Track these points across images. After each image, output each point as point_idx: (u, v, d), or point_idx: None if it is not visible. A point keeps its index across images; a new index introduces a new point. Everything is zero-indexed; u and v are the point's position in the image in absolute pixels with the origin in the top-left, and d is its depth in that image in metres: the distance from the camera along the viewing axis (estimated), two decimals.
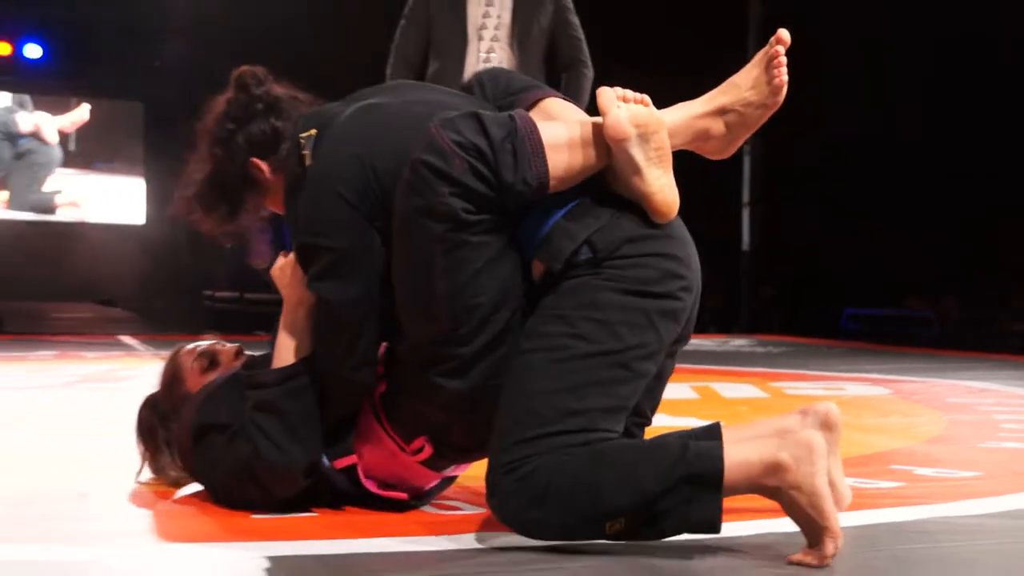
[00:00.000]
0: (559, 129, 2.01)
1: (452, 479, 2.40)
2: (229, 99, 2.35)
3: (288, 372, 2.19)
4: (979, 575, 1.91)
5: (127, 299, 10.02)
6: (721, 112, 2.08)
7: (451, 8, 4.60)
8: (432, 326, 2.03)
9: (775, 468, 1.83)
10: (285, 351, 2.21)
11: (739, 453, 1.87)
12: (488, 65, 4.53)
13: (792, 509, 1.85)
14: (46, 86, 10.48)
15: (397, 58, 4.65)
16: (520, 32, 4.58)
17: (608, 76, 4.71)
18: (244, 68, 2.37)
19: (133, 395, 4.70)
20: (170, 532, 2.14)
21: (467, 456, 2.26)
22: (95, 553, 1.96)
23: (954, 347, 7.89)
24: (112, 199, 10.77)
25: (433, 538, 2.04)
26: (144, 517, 2.23)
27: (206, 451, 2.28)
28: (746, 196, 10.58)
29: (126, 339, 8.29)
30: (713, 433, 1.95)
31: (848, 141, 9.74)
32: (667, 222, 2.05)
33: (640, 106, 2.00)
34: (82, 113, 10.50)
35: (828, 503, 1.82)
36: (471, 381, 2.04)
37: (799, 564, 1.83)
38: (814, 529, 1.83)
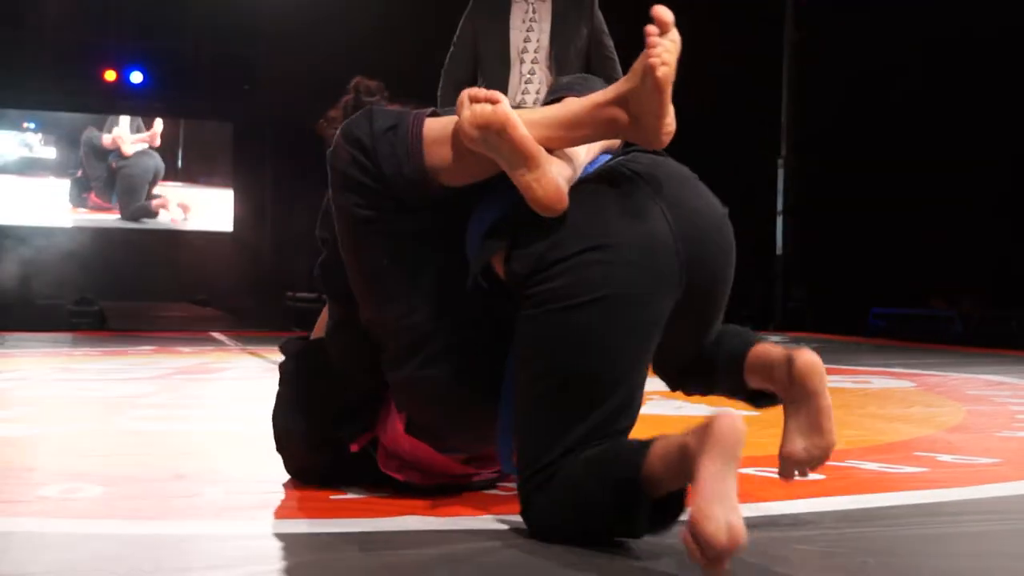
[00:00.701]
0: (449, 124, 1.87)
1: (491, 481, 2.29)
2: (346, 101, 2.37)
3: (306, 345, 2.19)
4: (997, 551, 1.88)
5: (218, 299, 10.12)
6: (621, 101, 1.86)
7: (495, 34, 4.62)
8: (369, 315, 1.99)
9: (684, 453, 1.63)
10: (319, 327, 2.21)
11: (662, 445, 1.70)
12: (528, 84, 4.56)
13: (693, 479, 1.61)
14: (147, 109, 10.62)
15: (447, 80, 4.69)
16: (558, 54, 4.58)
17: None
18: (360, 78, 2.41)
19: (224, 385, 4.79)
20: (250, 510, 2.15)
21: (441, 441, 2.11)
22: (182, 528, 1.99)
23: (973, 343, 7.79)
24: (204, 209, 10.90)
25: (464, 518, 2.02)
26: (230, 496, 2.25)
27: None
28: (780, 204, 10.50)
29: (217, 335, 8.39)
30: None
31: (875, 156, 9.64)
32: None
33: (485, 105, 1.81)
34: (156, 128, 10.64)
35: (705, 498, 1.54)
36: (404, 372, 1.98)
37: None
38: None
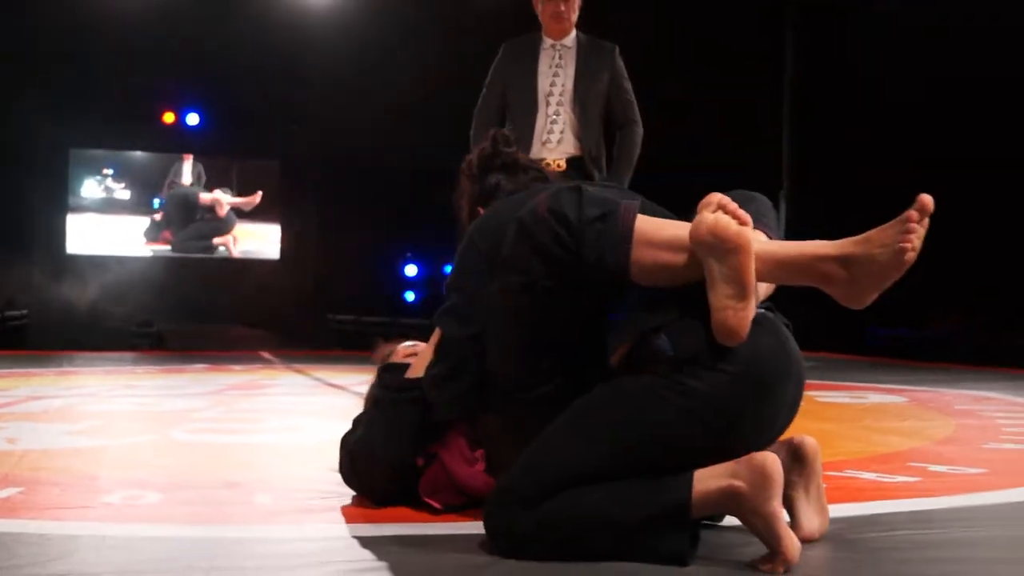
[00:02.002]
0: (667, 228, 1.80)
1: None
2: (483, 149, 2.35)
3: (406, 383, 2.17)
4: (985, 555, 1.87)
5: (266, 321, 10.18)
6: (846, 261, 1.79)
7: (524, 79, 4.63)
8: (503, 366, 1.93)
9: (731, 496, 1.71)
10: (419, 365, 2.17)
11: (700, 485, 1.73)
12: (554, 124, 4.57)
13: (752, 530, 1.72)
14: (202, 147, 10.71)
15: (479, 122, 4.69)
16: (581, 97, 4.59)
17: (651, 111, 4.74)
18: (500, 130, 2.41)
19: (272, 400, 4.81)
20: (296, 514, 2.16)
21: (500, 468, 2.04)
22: (234, 531, 1.99)
23: (962, 361, 7.72)
24: (254, 239, 10.98)
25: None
26: (278, 502, 2.25)
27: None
28: (782, 231, 10.49)
29: (265, 354, 8.42)
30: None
31: (866, 181, 9.60)
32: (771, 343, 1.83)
33: (729, 219, 1.73)
34: (254, 199, 10.76)
35: (780, 527, 1.69)
36: (512, 416, 1.96)
37: (759, 570, 1.70)
38: (770, 548, 1.70)
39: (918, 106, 8.98)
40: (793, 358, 1.89)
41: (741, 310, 1.72)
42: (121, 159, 10.61)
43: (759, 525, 1.70)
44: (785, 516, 1.78)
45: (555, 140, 4.58)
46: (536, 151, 4.59)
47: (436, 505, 2.12)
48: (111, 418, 3.94)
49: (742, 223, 1.74)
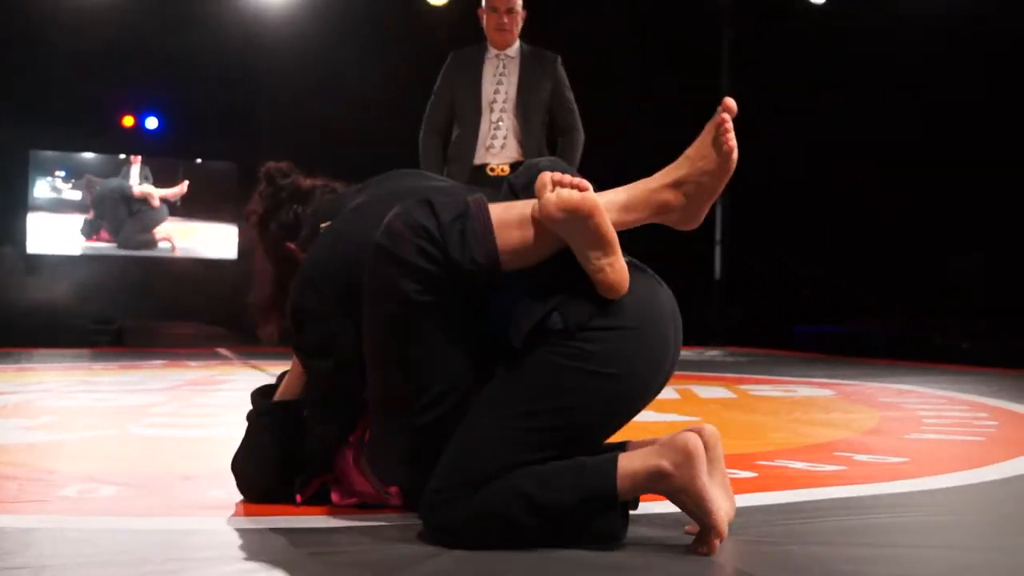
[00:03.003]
0: (513, 209, 1.75)
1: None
2: (260, 191, 2.23)
3: (266, 408, 2.13)
4: (906, 540, 1.89)
5: (223, 319, 10.05)
6: (678, 184, 1.80)
7: (469, 86, 4.65)
8: (390, 394, 1.82)
9: (659, 475, 1.70)
10: (285, 388, 2.13)
11: (627, 466, 1.71)
12: (497, 130, 4.58)
13: (682, 507, 1.73)
14: (160, 151, 10.57)
15: (427, 126, 4.71)
16: (524, 104, 4.61)
17: (591, 114, 4.76)
18: (270, 164, 2.25)
19: (229, 396, 4.75)
20: (250, 507, 2.13)
21: (389, 479, 1.99)
22: (188, 523, 1.96)
23: (885, 356, 7.85)
24: (212, 240, 10.87)
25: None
26: (233, 495, 2.22)
27: None
28: (718, 236, 10.57)
29: (222, 351, 8.33)
30: (610, 452, 1.78)
31: (800, 187, 9.75)
32: (649, 300, 1.82)
33: (572, 191, 1.71)
34: (182, 188, 10.63)
35: (709, 502, 1.69)
36: (418, 442, 1.81)
37: (695, 553, 1.71)
38: (701, 524, 1.71)
39: (840, 115, 9.15)
40: (666, 295, 1.89)
41: (615, 263, 1.73)
42: (74, 161, 10.46)
43: (688, 502, 1.70)
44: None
45: (498, 146, 4.60)
46: (480, 156, 4.61)
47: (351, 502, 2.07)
48: (68, 414, 3.87)
49: (582, 189, 1.73)
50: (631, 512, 1.84)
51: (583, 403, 1.75)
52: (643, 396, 1.85)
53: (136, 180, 10.60)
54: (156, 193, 10.62)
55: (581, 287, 1.75)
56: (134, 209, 10.58)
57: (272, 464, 2.10)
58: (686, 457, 1.69)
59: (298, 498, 2.08)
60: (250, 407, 2.20)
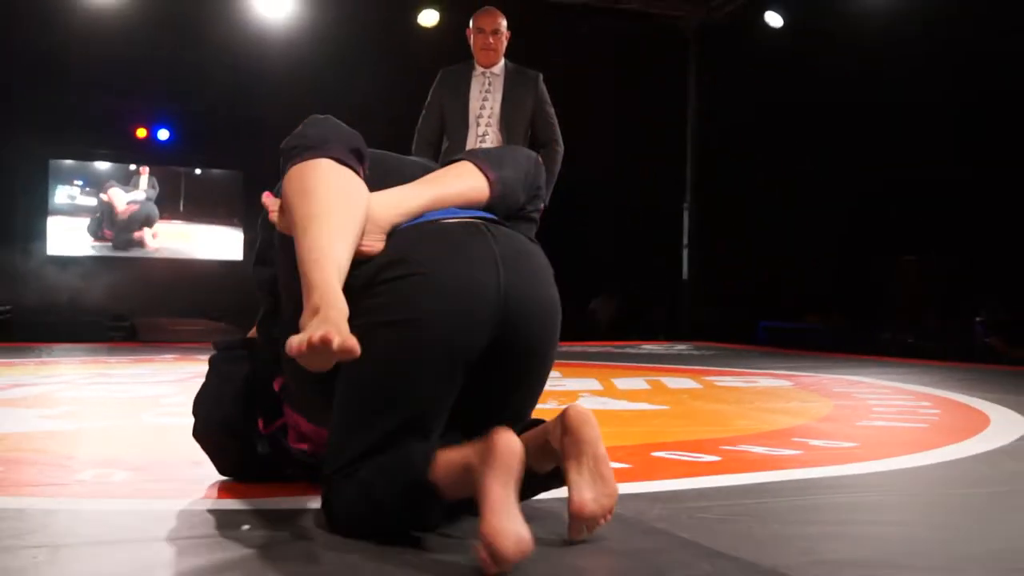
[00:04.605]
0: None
1: None
2: None
3: (234, 343, 2.06)
4: (858, 518, 1.90)
5: (230, 316, 10.00)
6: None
7: (457, 100, 4.64)
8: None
9: (466, 470, 1.49)
10: (254, 329, 2.06)
11: (447, 456, 1.54)
12: (483, 143, 4.59)
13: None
14: (172, 160, 10.53)
15: (420, 138, 4.70)
16: (507, 119, 4.60)
17: (569, 128, 4.76)
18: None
19: None
20: (250, 488, 2.12)
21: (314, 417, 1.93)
22: (195, 504, 1.95)
23: (839, 350, 7.89)
24: (219, 242, 10.83)
25: None
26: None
27: None
28: (685, 239, 10.59)
29: None
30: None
31: (758, 197, 9.80)
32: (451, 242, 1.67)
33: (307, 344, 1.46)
34: (143, 184, 10.51)
35: (488, 509, 1.41)
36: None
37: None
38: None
39: (796, 127, 9.21)
40: (485, 245, 1.68)
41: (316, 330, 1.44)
42: (90, 171, 10.43)
43: (479, 505, 1.43)
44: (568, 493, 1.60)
45: None
46: None
47: (304, 448, 1.99)
48: (85, 404, 3.85)
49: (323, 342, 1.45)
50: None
51: (386, 359, 1.59)
52: (452, 341, 1.61)
53: (144, 189, 10.58)
54: (119, 197, 10.53)
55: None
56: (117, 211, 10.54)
57: (243, 403, 1.98)
58: (489, 454, 1.45)
59: (264, 430, 1.99)
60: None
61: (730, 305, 10.06)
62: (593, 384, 4.75)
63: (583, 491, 1.57)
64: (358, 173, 1.73)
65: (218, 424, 2.03)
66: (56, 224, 10.27)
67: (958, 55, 7.85)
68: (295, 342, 1.44)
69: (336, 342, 1.43)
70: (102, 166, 10.49)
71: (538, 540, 1.56)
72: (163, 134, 10.44)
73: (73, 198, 10.37)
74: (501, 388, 1.73)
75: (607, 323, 10.61)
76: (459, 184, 1.83)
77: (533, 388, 1.80)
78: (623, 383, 4.83)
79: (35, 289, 9.69)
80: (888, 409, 3.77)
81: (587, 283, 10.52)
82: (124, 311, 9.59)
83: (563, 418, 1.60)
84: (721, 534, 1.72)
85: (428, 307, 1.61)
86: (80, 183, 10.37)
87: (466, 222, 1.74)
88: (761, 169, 9.69)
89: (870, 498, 2.11)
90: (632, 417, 3.51)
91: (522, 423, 1.75)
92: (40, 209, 10.14)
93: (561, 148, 4.70)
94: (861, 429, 3.21)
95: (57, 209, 10.27)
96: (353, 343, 1.45)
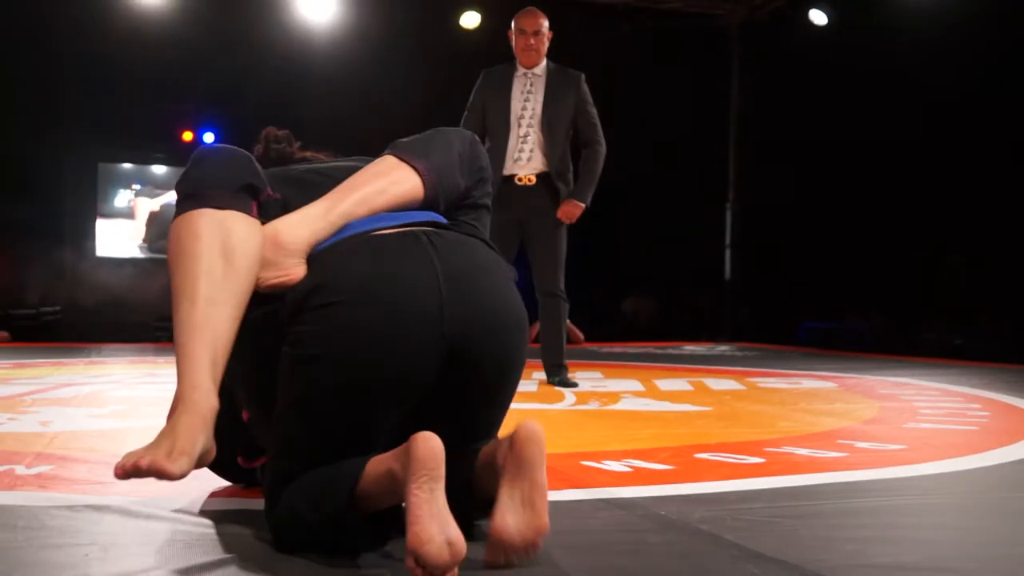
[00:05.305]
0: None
1: None
2: (256, 151, 2.05)
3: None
4: (904, 522, 1.87)
5: None
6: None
7: (498, 101, 4.65)
8: None
9: (391, 479, 1.40)
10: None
11: (375, 468, 1.44)
12: (525, 144, 4.59)
13: None
14: None
15: None
16: (549, 119, 4.60)
17: (611, 128, 4.74)
18: (270, 128, 2.11)
19: None
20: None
21: None
22: (240, 503, 1.97)
23: (883, 351, 7.78)
24: None
25: None
26: None
27: None
28: (728, 239, 10.51)
29: None
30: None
31: (801, 196, 9.70)
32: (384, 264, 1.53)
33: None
34: (172, 194, 10.65)
35: (412, 516, 1.32)
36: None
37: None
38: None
39: (839, 125, 9.12)
40: (428, 269, 1.54)
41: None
42: (145, 174, 10.61)
43: (405, 512, 1.35)
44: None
45: (525, 158, 4.61)
46: (508, 167, 4.63)
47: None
48: (134, 403, 3.90)
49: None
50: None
51: (311, 395, 1.50)
52: (381, 374, 1.49)
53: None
54: (142, 206, 10.63)
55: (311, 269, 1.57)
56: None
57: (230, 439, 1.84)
58: (408, 457, 1.36)
59: (240, 460, 1.96)
60: None
61: (773, 305, 9.97)
62: (635, 385, 4.73)
63: (506, 515, 1.41)
64: (249, 211, 1.60)
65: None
66: (114, 227, 10.44)
67: (1009, 52, 7.71)
68: (121, 464, 1.41)
69: (167, 469, 1.39)
70: (159, 170, 10.65)
71: (576, 537, 1.55)
72: (208, 137, 10.59)
73: (130, 202, 10.57)
74: (463, 407, 1.60)
75: (646, 323, 10.55)
76: (382, 183, 1.67)
77: (501, 403, 1.68)
78: (665, 384, 4.81)
79: (84, 290, 9.86)
80: (936, 411, 3.71)
81: (622, 283, 10.53)
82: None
83: (512, 434, 1.46)
84: (766, 536, 1.70)
85: (351, 341, 1.48)
86: (138, 187, 10.56)
87: (401, 232, 1.60)
88: (804, 168, 9.59)
89: (918, 501, 2.08)
90: (675, 418, 3.49)
91: (490, 438, 1.64)
92: (89, 211, 10.31)
93: (604, 148, 4.69)
94: (908, 431, 3.16)
95: (116, 212, 10.47)
96: (185, 470, 1.40)
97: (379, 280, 1.51)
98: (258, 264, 1.56)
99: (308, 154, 2.11)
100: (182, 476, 1.41)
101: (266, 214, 1.65)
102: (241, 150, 1.72)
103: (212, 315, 1.51)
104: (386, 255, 1.54)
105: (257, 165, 1.70)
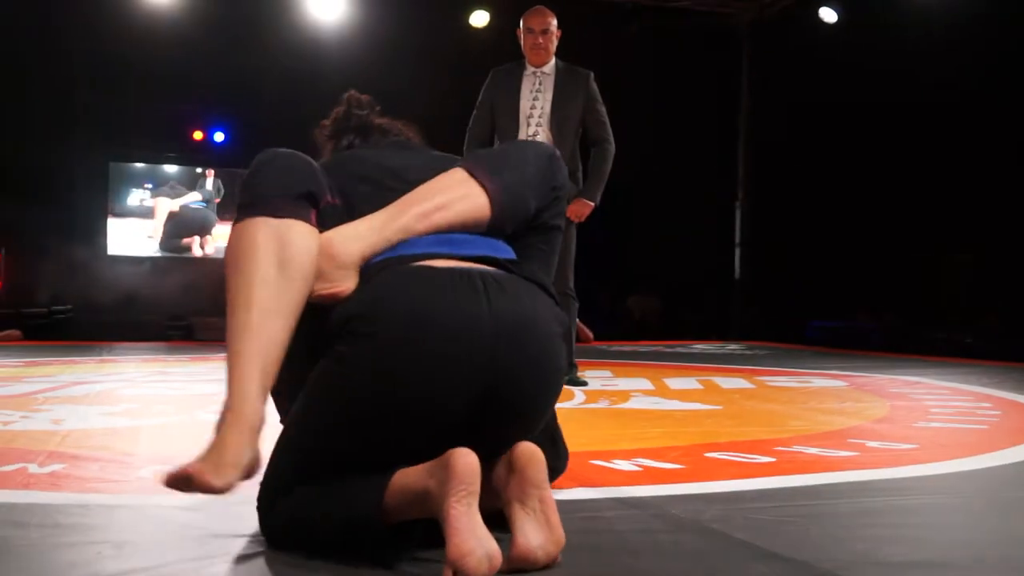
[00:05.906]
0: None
1: None
2: (337, 112, 2.07)
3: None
4: (917, 521, 1.86)
5: None
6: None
7: (508, 99, 4.66)
8: None
9: (425, 495, 1.39)
10: None
11: (400, 481, 1.43)
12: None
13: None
14: (225, 162, 10.69)
15: (470, 137, 4.72)
16: (558, 118, 4.60)
17: (620, 126, 4.74)
18: (353, 92, 2.09)
19: None
20: None
21: None
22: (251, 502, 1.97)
23: (892, 350, 7.75)
24: None
25: None
26: None
27: None
28: (737, 238, 10.49)
29: None
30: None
31: (810, 194, 9.67)
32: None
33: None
34: (193, 196, 10.65)
35: (452, 530, 1.33)
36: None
37: None
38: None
39: (849, 123, 9.09)
40: (486, 315, 1.49)
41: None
42: (160, 174, 10.64)
43: (442, 528, 1.35)
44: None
45: None
46: None
47: None
48: (145, 401, 3.92)
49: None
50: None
51: (345, 417, 1.50)
52: (419, 413, 1.48)
53: (211, 191, 10.73)
54: (163, 206, 10.63)
55: (361, 287, 1.56)
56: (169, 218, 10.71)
57: None
58: (445, 472, 1.36)
59: None
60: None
61: (782, 304, 9.94)
62: (645, 384, 4.72)
63: (529, 537, 1.42)
64: (308, 219, 1.58)
65: None
66: (125, 225, 10.45)
67: (1021, 50, 7.67)
68: (169, 476, 1.43)
69: (212, 485, 1.41)
70: (171, 169, 10.67)
71: (586, 537, 1.55)
72: (219, 136, 10.61)
73: (143, 201, 10.59)
74: (486, 442, 1.52)
75: (651, 321, 10.53)
76: (446, 198, 1.63)
77: (529, 430, 1.61)
78: (675, 383, 4.80)
79: (95, 289, 9.90)
80: (947, 410, 3.69)
81: (631, 282, 10.51)
82: (182, 310, 9.76)
83: (510, 456, 1.47)
84: (777, 535, 1.70)
85: (388, 380, 1.47)
86: (150, 186, 10.58)
87: (458, 270, 1.54)
88: (813, 166, 9.56)
89: (929, 500, 2.07)
90: (685, 417, 3.49)
91: None
92: (100, 210, 10.35)
93: (612, 147, 4.69)
94: (919, 430, 3.14)
95: (128, 211, 10.48)
96: (231, 483, 1.43)
97: (426, 323, 1.47)
98: (313, 275, 1.56)
99: (385, 121, 2.05)
100: (228, 490, 1.43)
101: (328, 217, 1.63)
102: (303, 156, 1.68)
103: (265, 324, 1.51)
104: (437, 295, 1.50)
105: (320, 172, 1.66)
